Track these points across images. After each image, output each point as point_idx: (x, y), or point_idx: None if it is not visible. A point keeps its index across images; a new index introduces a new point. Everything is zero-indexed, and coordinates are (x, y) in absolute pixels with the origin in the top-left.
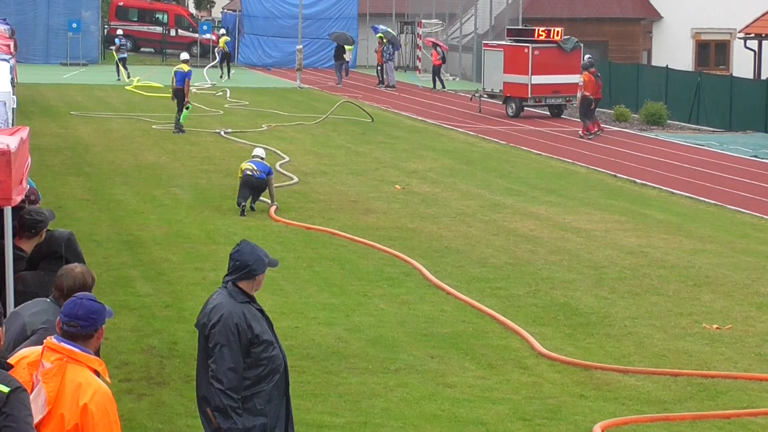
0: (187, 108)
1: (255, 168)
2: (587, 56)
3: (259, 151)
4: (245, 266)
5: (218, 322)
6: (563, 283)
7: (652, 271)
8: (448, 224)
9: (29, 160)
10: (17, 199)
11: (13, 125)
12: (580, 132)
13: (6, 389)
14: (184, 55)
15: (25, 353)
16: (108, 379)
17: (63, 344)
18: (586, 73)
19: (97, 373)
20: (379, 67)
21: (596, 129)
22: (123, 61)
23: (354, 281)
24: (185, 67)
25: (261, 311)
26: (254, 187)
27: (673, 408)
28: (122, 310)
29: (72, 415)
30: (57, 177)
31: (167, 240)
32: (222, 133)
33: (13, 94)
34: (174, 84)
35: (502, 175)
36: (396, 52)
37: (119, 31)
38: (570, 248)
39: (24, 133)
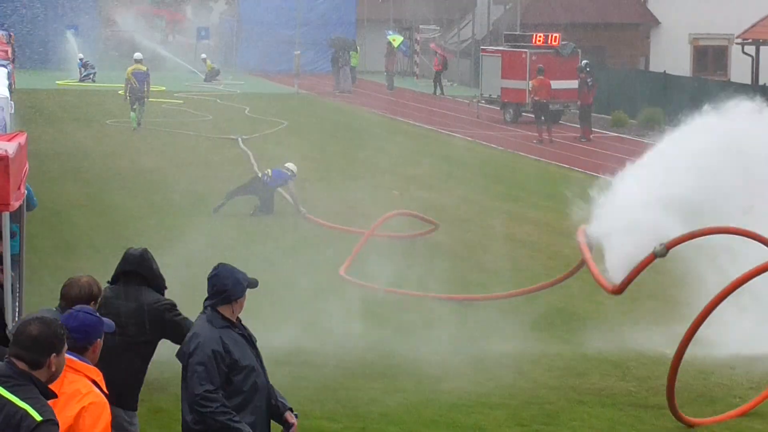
0: (134, 110)
1: (270, 174)
2: (584, 61)
3: (290, 165)
4: (223, 290)
5: (194, 351)
6: (561, 288)
7: (650, 276)
8: (445, 229)
9: (27, 165)
10: (15, 204)
11: (10, 131)
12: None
13: (39, 418)
14: (138, 55)
15: None
16: (105, 390)
17: (72, 358)
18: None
19: (95, 383)
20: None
21: (547, 137)
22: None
23: (352, 285)
24: (143, 67)
25: (244, 336)
26: (259, 191)
27: (669, 414)
28: None
29: (67, 420)
30: (55, 182)
31: (165, 246)
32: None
33: (11, 100)
34: (135, 84)
35: (500, 180)
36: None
37: (80, 55)
38: (568, 253)
39: (22, 138)
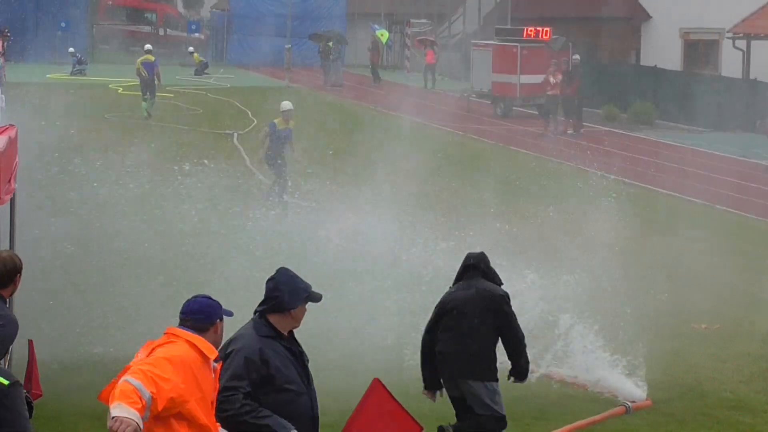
0: (145, 99)
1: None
2: (574, 56)
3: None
4: (275, 297)
5: (228, 355)
6: (554, 284)
7: (640, 270)
8: (435, 223)
9: (17, 159)
10: (5, 198)
11: (1, 125)
12: None
13: (6, 381)
14: (149, 46)
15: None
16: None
17: (183, 330)
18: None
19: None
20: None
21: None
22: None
23: (350, 281)
24: (151, 57)
25: (293, 351)
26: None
27: (661, 407)
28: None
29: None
30: (45, 177)
31: (157, 240)
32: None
33: (2, 93)
34: (145, 75)
35: (491, 174)
36: (343, 50)
37: (71, 49)
38: (559, 248)
39: (12, 132)
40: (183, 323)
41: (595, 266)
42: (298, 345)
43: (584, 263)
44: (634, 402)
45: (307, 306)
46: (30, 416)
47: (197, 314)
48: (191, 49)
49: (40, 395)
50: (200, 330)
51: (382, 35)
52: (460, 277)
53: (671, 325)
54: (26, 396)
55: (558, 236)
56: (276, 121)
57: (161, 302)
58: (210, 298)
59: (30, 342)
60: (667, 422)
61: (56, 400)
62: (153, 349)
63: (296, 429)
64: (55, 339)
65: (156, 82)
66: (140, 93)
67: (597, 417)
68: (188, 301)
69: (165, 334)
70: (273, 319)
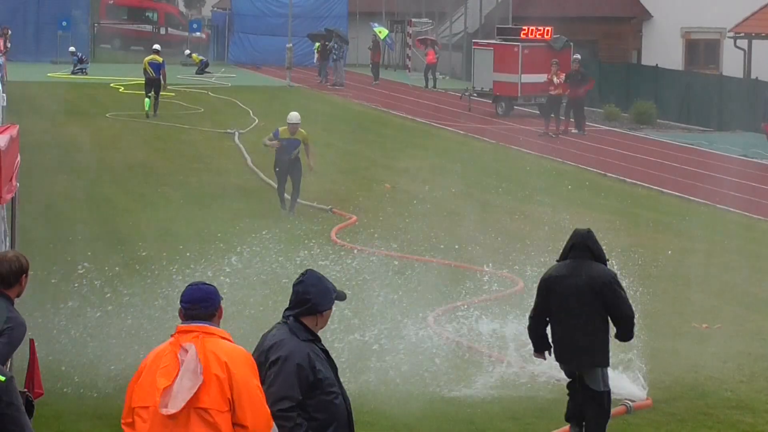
0: (148, 97)
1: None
2: (575, 55)
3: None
4: (307, 300)
5: (277, 362)
6: None
7: (641, 269)
8: (437, 223)
9: (19, 158)
10: (7, 197)
11: (2, 124)
12: None
13: (3, 378)
14: (157, 46)
15: (154, 352)
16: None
17: (193, 324)
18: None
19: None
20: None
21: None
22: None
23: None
24: (159, 58)
25: (326, 352)
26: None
27: (662, 407)
28: (112, 309)
29: (220, 373)
30: (46, 176)
31: (157, 238)
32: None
33: (3, 92)
34: (152, 74)
35: (492, 174)
36: (345, 50)
37: (71, 48)
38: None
39: (13, 131)
40: (191, 316)
41: None
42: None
43: None
44: (634, 401)
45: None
46: (31, 416)
47: (204, 302)
48: (188, 51)
49: (42, 394)
50: (209, 318)
51: (380, 32)
52: (566, 255)
53: (672, 324)
54: (27, 395)
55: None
56: (281, 129)
57: (161, 305)
58: (208, 283)
59: (31, 341)
60: (668, 422)
61: (57, 400)
62: (207, 358)
63: (337, 429)
64: (57, 338)
65: (162, 82)
66: (143, 91)
67: None
68: (189, 288)
69: (183, 332)
70: (307, 321)
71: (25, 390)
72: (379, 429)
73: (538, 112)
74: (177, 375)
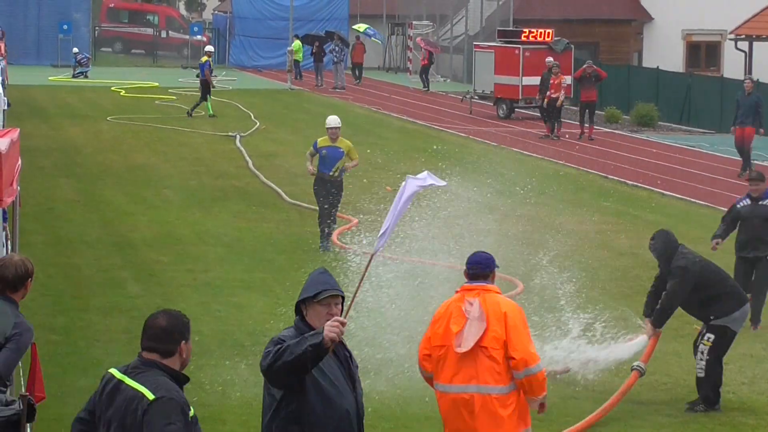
0: (206, 99)
1: (327, 154)
2: (588, 61)
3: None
4: (303, 292)
5: (267, 354)
6: (554, 284)
7: (643, 272)
8: (438, 226)
9: (20, 161)
10: (7, 200)
11: (3, 127)
12: None
13: (151, 397)
14: (209, 48)
15: (443, 306)
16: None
17: (474, 284)
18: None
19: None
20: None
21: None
22: (80, 74)
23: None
24: (203, 59)
25: (336, 353)
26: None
27: (663, 409)
28: (113, 311)
29: (499, 324)
30: (47, 179)
31: (158, 241)
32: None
33: (4, 96)
34: (199, 75)
35: (493, 176)
36: (346, 53)
37: (75, 49)
38: (561, 250)
39: (14, 134)
40: (472, 276)
41: (594, 266)
42: (345, 349)
43: (584, 263)
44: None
45: (339, 305)
46: (33, 419)
47: (483, 264)
48: (210, 48)
49: (44, 398)
50: (487, 277)
51: (359, 27)
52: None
53: (673, 326)
54: (29, 399)
55: (559, 238)
56: (319, 140)
57: (161, 304)
58: (484, 251)
59: (33, 344)
60: (670, 423)
61: (59, 403)
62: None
63: (337, 428)
64: (58, 340)
65: (207, 82)
66: (148, 95)
67: (621, 389)
68: (473, 255)
69: (467, 290)
70: (308, 317)
71: (27, 394)
72: (380, 431)
73: (539, 114)
74: (466, 322)
